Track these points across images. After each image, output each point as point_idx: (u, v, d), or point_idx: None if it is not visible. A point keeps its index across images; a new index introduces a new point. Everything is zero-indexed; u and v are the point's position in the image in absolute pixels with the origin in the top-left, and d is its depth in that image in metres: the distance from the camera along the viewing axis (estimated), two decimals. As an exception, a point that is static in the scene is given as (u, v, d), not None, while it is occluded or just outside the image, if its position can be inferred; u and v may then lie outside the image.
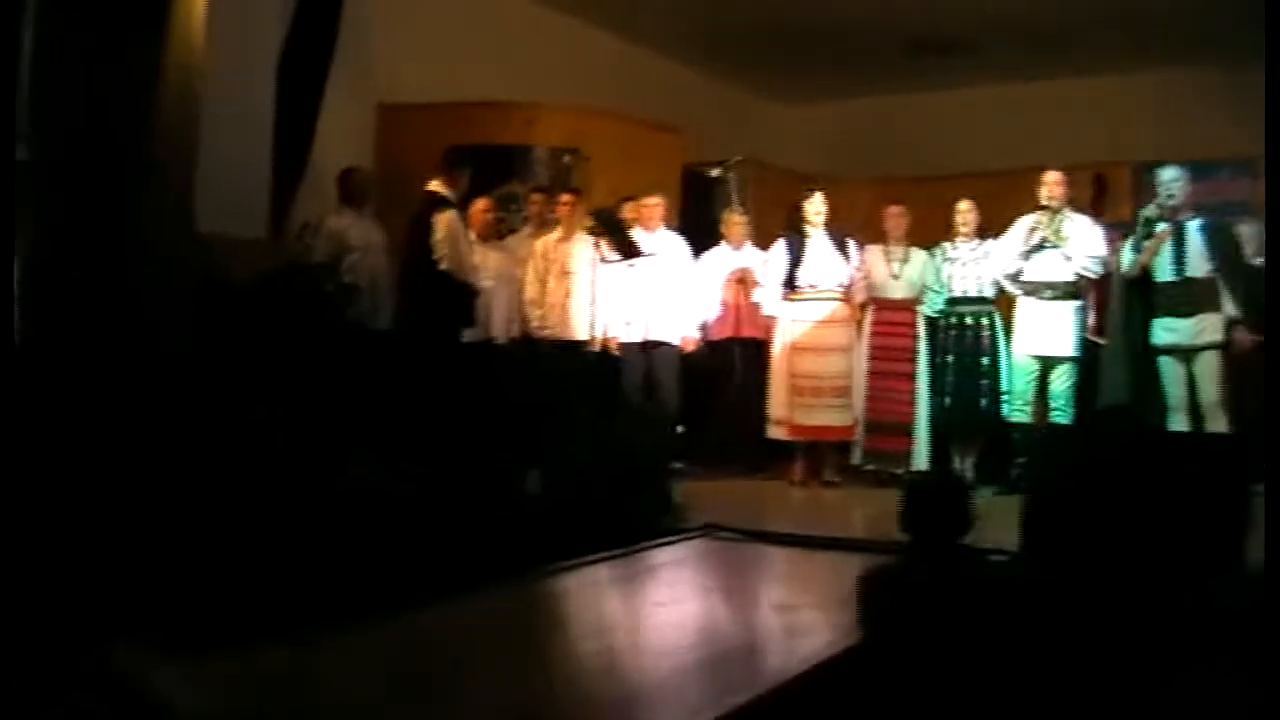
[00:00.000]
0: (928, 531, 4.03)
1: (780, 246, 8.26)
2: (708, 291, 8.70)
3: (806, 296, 8.11)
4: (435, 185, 7.63)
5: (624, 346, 8.41)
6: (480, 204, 8.19)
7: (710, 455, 8.66)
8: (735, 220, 8.85)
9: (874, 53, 10.49)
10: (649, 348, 8.45)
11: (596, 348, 8.30)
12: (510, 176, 8.92)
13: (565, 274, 8.33)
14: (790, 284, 8.14)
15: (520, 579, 4.84)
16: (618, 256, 7.96)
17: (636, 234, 8.51)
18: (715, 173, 8.63)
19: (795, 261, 8.13)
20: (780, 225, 8.65)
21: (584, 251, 8.21)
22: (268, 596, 4.16)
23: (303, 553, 4.72)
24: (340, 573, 4.52)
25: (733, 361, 8.55)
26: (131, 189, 6.05)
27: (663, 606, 4.66)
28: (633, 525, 5.74)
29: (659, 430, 7.57)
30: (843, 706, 3.96)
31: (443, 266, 7.39)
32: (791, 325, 8.12)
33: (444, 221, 7.40)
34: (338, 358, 7.00)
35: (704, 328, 8.70)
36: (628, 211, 8.57)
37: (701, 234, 9.03)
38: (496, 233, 8.60)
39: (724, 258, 8.78)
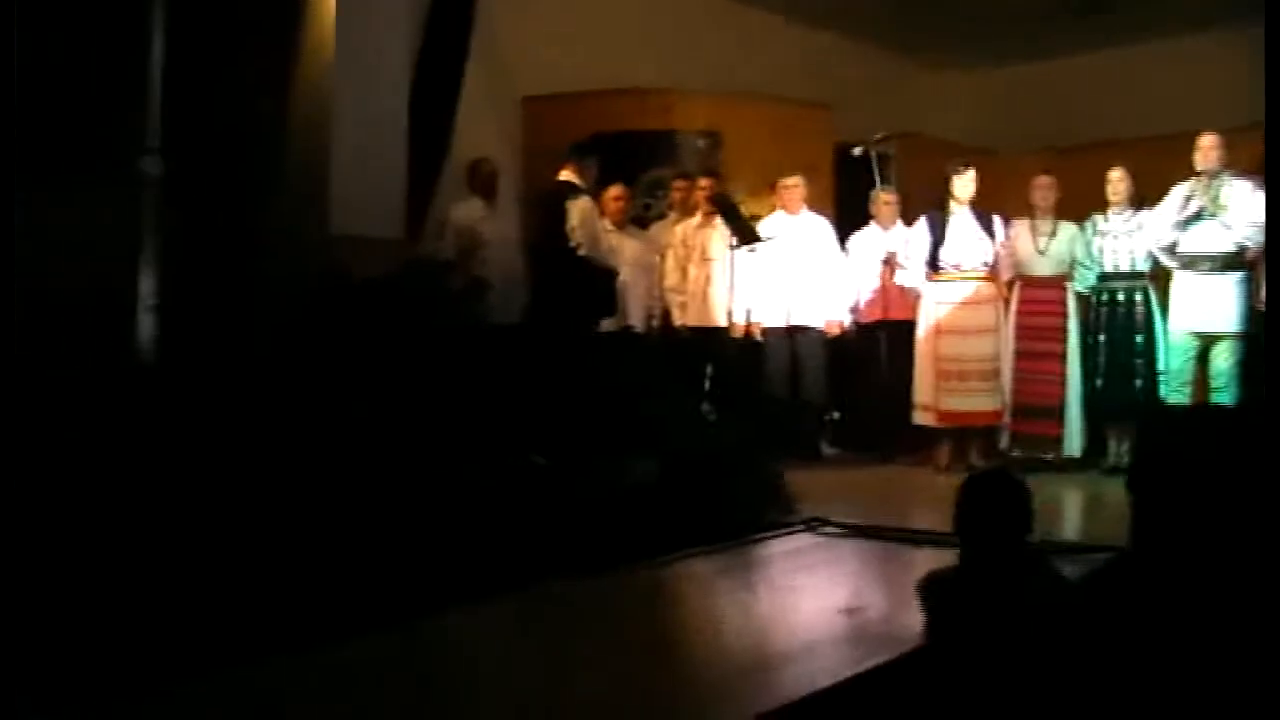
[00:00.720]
0: (984, 533, 3.85)
1: (922, 225, 8.02)
2: (856, 274, 8.52)
3: (950, 277, 7.85)
4: (566, 174, 7.60)
5: (767, 332, 8.32)
6: (613, 191, 8.16)
7: (859, 441, 8.51)
8: (883, 199, 8.59)
9: (1036, 10, 10.03)
10: (794, 333, 8.34)
11: (739, 334, 8.22)
12: (653, 163, 8.88)
13: (705, 260, 8.28)
14: (934, 264, 7.88)
15: (611, 572, 4.86)
16: (735, 242, 7.83)
17: (778, 217, 8.42)
18: (856, 151, 8.36)
19: (938, 240, 7.87)
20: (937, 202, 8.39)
21: (723, 236, 8.09)
22: (404, 580, 4.40)
23: (430, 538, 4.84)
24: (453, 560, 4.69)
25: (880, 345, 8.29)
26: (261, 194, 6.26)
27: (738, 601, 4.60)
28: (737, 517, 5.68)
29: (778, 419, 7.43)
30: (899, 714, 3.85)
31: (581, 253, 7.35)
32: (935, 307, 7.88)
33: (578, 208, 7.36)
34: (468, 354, 7.05)
35: (854, 311, 8.54)
36: (773, 193, 8.45)
37: (857, 214, 8.83)
38: (640, 219, 8.59)
39: (873, 238, 8.57)
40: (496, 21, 8.68)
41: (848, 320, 8.55)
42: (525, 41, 8.88)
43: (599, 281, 7.46)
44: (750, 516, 5.70)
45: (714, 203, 8.01)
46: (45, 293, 4.85)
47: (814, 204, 8.66)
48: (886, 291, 8.34)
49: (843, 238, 8.71)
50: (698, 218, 8.37)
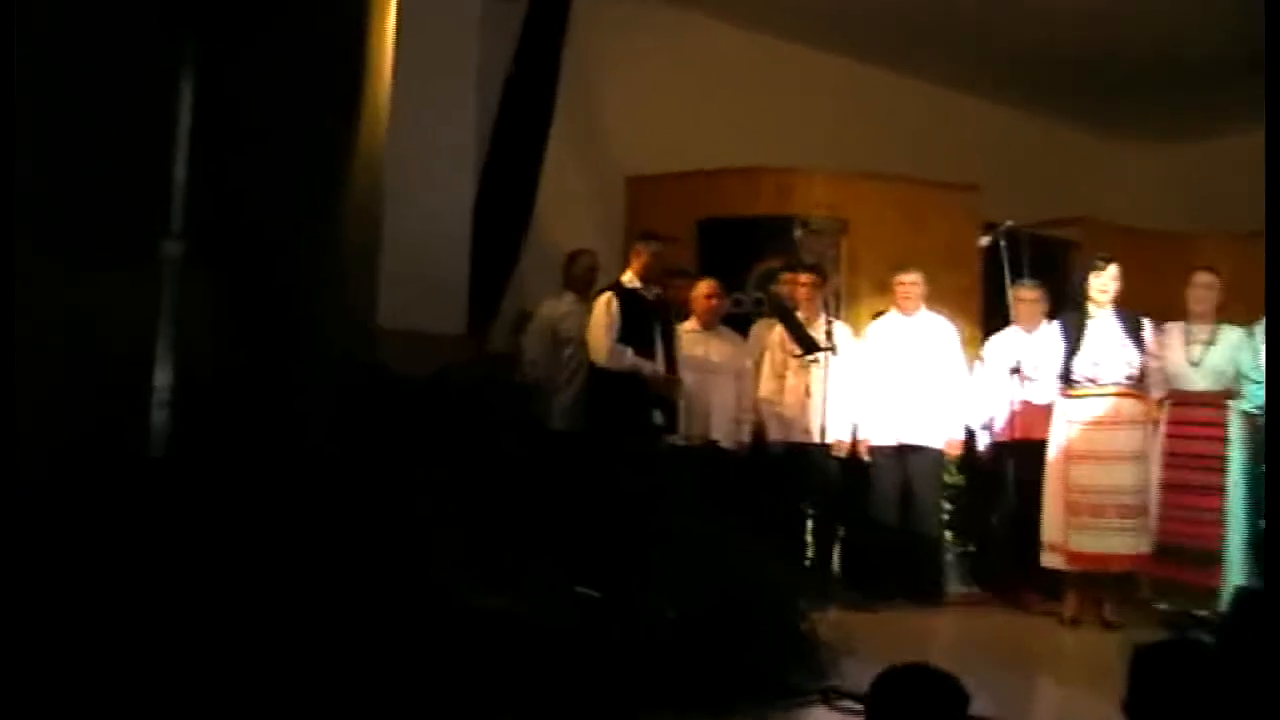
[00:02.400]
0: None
1: (1053, 330, 6.81)
2: (991, 384, 7.33)
3: (1085, 392, 6.60)
4: (630, 270, 6.86)
5: (875, 451, 7.26)
6: (703, 287, 7.28)
7: (984, 579, 7.31)
8: (1023, 296, 7.37)
9: (1227, 80, 8.66)
10: (905, 452, 7.24)
11: (841, 453, 7.20)
12: (767, 252, 7.93)
13: (805, 366, 7.18)
14: (1067, 376, 6.65)
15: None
16: (797, 350, 6.95)
17: (890, 319, 7.38)
18: (983, 241, 7.21)
19: (1073, 348, 6.64)
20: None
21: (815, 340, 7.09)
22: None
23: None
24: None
25: (1007, 469, 7.08)
26: (302, 283, 5.61)
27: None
28: (749, 679, 4.76)
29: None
30: None
31: (593, 357, 6.75)
32: (1067, 427, 6.63)
33: (598, 304, 6.75)
34: (503, 465, 6.26)
35: (988, 428, 7.37)
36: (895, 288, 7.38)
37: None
38: (744, 318, 7.65)
39: (1010, 343, 7.34)
40: (596, 94, 7.88)
41: (983, 438, 7.38)
42: (630, 117, 8.13)
43: (628, 391, 6.67)
44: (759, 679, 4.74)
45: (770, 307, 7.02)
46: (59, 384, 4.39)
47: (956, 300, 7.70)
48: (1019, 407, 7.09)
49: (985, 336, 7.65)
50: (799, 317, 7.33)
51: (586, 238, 7.55)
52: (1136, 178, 10.22)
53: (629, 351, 6.74)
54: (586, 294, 7.11)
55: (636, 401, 6.71)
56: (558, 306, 7.22)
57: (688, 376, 7.07)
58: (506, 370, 7.08)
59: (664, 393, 6.83)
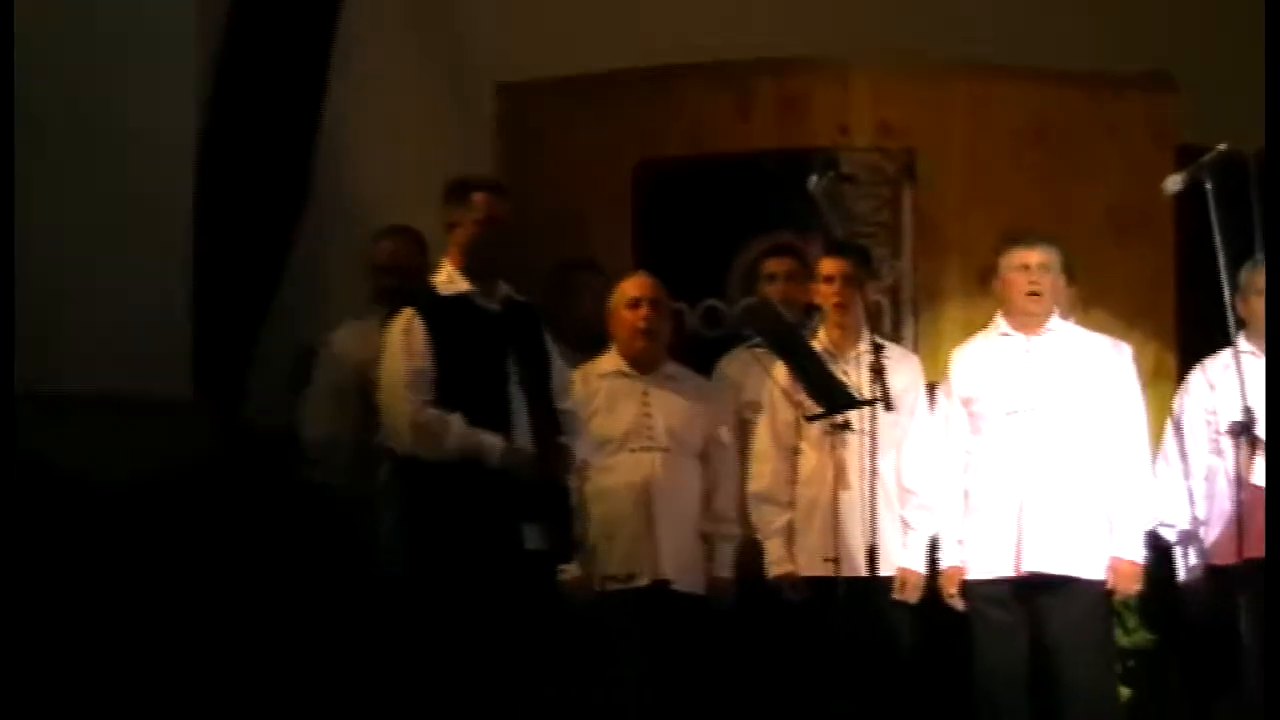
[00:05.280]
0: None
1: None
2: (1189, 456, 4.24)
3: None
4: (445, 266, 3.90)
5: (976, 591, 4.17)
6: (629, 289, 4.30)
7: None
8: (1262, 286, 4.05)
9: None
10: (1036, 592, 4.11)
11: (913, 597, 4.22)
12: (757, 224, 4.90)
13: (833, 434, 4.04)
14: None
15: None
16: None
17: (998, 339, 4.33)
18: (1175, 185, 3.79)
19: None
20: None
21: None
22: None
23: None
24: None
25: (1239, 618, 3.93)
26: None
27: None
28: None
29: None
30: None
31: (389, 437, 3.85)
32: None
33: (391, 334, 3.82)
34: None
35: (1192, 543, 4.26)
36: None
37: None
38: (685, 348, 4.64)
39: (1232, 376, 3.96)
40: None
41: (1186, 559, 4.28)
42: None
43: (476, 492, 3.69)
44: None
45: (761, 327, 4.10)
46: None
47: (1130, 299, 4.88)
48: (1258, 505, 3.77)
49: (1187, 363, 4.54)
50: (818, 341, 4.30)
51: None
52: None
53: (456, 420, 3.64)
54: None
55: (486, 513, 3.68)
56: (359, 338, 4.21)
57: (605, 457, 4.18)
58: (272, 461, 4.30)
59: (543, 481, 3.81)
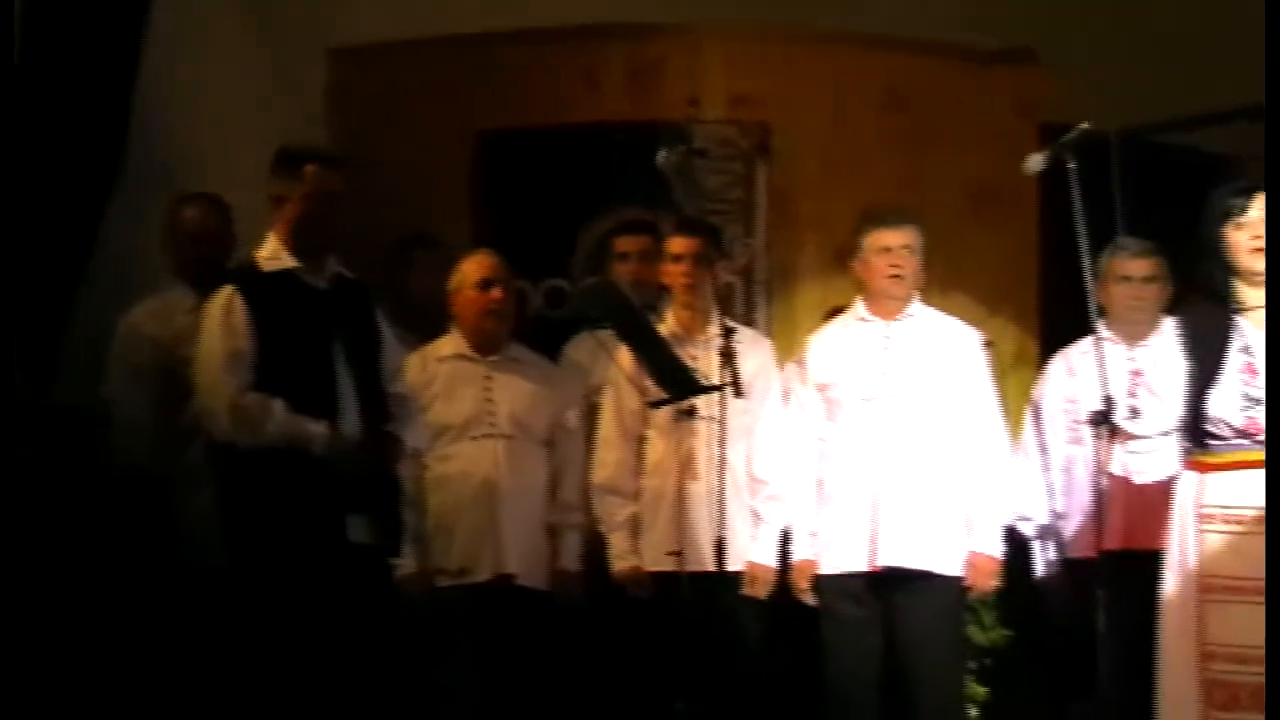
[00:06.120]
0: None
1: (1175, 338, 3.56)
2: (1048, 448, 4.12)
3: (1236, 457, 3.37)
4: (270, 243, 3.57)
5: (828, 586, 3.96)
6: (470, 270, 4.00)
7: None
8: (1124, 270, 3.94)
9: None
10: (889, 587, 3.92)
11: (762, 591, 3.99)
12: (605, 199, 4.75)
13: (683, 422, 3.86)
14: (1197, 429, 3.40)
15: None
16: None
17: (851, 329, 4.14)
18: (1036, 164, 3.58)
19: (1210, 373, 3.39)
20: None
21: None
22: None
23: None
24: None
25: (1096, 614, 3.59)
26: None
27: None
28: None
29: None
30: None
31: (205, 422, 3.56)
32: (1200, 528, 3.38)
33: (209, 313, 3.55)
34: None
35: (1050, 536, 4.11)
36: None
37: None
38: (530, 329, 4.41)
39: (1092, 364, 3.72)
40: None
41: (1044, 553, 4.12)
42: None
43: (296, 481, 3.43)
44: None
45: (605, 308, 3.89)
46: None
47: (988, 284, 4.73)
48: (1117, 496, 3.69)
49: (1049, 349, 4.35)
50: (664, 325, 4.07)
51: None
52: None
53: (278, 405, 3.38)
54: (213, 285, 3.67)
55: (307, 503, 3.41)
56: (160, 315, 3.95)
57: (445, 445, 3.92)
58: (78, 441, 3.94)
59: (368, 473, 3.54)
